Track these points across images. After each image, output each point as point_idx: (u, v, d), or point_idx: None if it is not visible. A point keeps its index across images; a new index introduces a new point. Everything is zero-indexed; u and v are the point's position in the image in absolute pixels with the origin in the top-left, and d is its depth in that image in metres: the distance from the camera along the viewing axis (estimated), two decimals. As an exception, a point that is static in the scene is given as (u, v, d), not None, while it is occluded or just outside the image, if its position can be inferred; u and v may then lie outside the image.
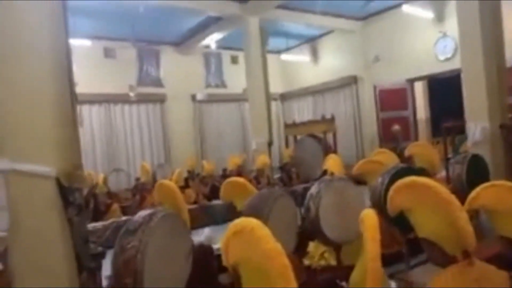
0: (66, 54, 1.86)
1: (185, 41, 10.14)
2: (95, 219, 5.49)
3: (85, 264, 1.82)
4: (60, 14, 1.85)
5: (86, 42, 8.09)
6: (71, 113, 1.86)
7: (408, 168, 2.72)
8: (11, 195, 1.68)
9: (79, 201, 1.84)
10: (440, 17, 8.33)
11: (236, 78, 11.23)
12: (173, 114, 10.30)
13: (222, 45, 10.36)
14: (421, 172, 2.89)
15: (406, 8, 8.14)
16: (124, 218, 5.35)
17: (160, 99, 10.14)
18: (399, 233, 2.42)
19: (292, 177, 7.66)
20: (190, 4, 7.46)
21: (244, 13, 7.91)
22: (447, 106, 8.72)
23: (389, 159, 4.17)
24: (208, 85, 11.13)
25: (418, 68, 8.64)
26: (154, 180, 6.39)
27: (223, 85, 11.37)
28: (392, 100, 8.81)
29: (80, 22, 7.56)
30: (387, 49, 9.25)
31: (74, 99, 1.88)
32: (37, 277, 1.70)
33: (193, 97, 10.71)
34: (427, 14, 8.30)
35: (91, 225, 5.14)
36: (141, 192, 5.87)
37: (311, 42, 11.27)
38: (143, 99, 9.81)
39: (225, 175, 7.49)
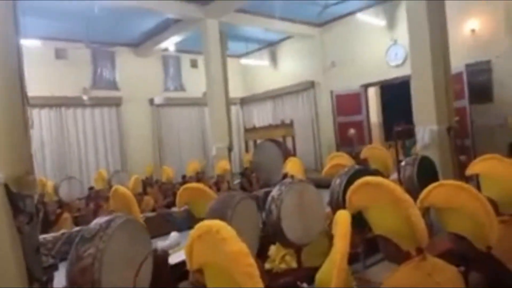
0: (17, 55, 1.75)
1: (142, 43, 9.91)
2: (44, 229, 5.20)
3: (36, 276, 1.72)
4: (10, 13, 1.75)
5: (36, 43, 7.67)
6: (21, 117, 1.75)
7: (363, 170, 2.81)
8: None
9: (29, 208, 1.74)
10: (391, 25, 8.75)
11: (195, 82, 11.13)
12: (129, 119, 10.01)
13: (181, 48, 10.24)
14: (376, 173, 3.00)
15: (360, 15, 8.47)
16: (76, 228, 5.11)
17: (116, 103, 9.82)
18: (356, 233, 2.50)
19: (252, 182, 7.69)
20: (148, 4, 7.30)
21: (203, 15, 7.87)
22: (398, 111, 9.14)
23: (344, 162, 4.29)
24: (166, 89, 10.93)
25: (371, 74, 9.01)
26: (110, 187, 6.14)
27: (182, 89, 11.22)
28: (348, 105, 9.11)
29: (30, 22, 7.18)
30: (342, 55, 9.58)
31: (25, 102, 1.78)
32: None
33: (151, 101, 10.47)
34: (379, 22, 8.68)
35: (41, 236, 4.87)
36: (95, 200, 5.63)
37: (271, 46, 11.43)
38: (97, 102, 9.46)
39: (184, 181, 7.38)
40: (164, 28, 8.91)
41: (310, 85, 10.26)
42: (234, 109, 11.57)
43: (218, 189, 7.04)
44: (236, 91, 11.07)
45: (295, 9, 8.57)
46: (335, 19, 9.63)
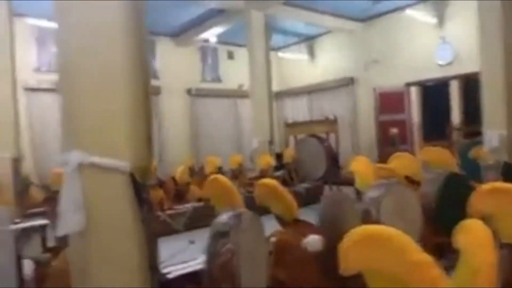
0: (142, 46, 1.71)
1: (183, 33, 9.89)
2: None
3: (154, 266, 1.69)
4: (130, 11, 1.70)
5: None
6: (146, 106, 1.72)
7: (455, 175, 2.70)
8: (85, 189, 1.54)
9: (149, 198, 1.71)
10: (440, 23, 8.46)
11: (231, 74, 11.10)
12: (167, 108, 10.05)
13: (219, 39, 10.18)
14: (465, 178, 2.87)
15: (409, 11, 8.22)
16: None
17: (155, 92, 9.85)
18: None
19: (294, 178, 7.61)
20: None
21: (249, 7, 7.77)
22: (436, 111, 8.94)
23: (408, 163, 4.11)
24: (203, 80, 10.93)
25: (416, 72, 8.75)
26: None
27: (218, 80, 11.19)
28: (391, 103, 8.90)
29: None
30: (386, 52, 9.33)
31: (148, 92, 1.74)
32: (111, 275, 1.56)
33: (189, 91, 10.48)
34: (430, 19, 8.41)
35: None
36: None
37: (309, 41, 11.25)
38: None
39: (221, 173, 7.36)
40: (206, 19, 8.86)
41: (349, 81, 10.06)
42: (268, 102, 11.47)
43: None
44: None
45: (340, 4, 8.37)
46: (380, 15, 9.38)
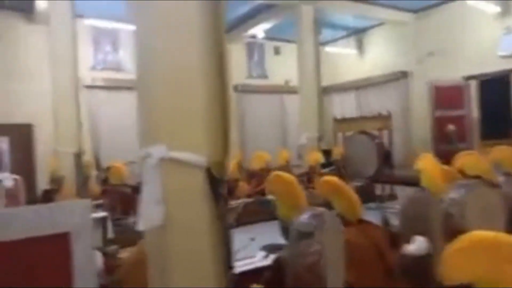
0: (220, 44, 1.68)
1: (231, 29, 9.92)
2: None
3: (230, 265, 1.65)
4: (209, 7, 1.67)
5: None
6: (223, 102, 1.68)
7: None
8: (164, 183, 1.52)
9: (225, 194, 1.67)
10: (505, 12, 7.86)
11: (278, 70, 11.01)
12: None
13: (266, 35, 10.10)
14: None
15: (470, 1, 7.70)
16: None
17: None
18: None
19: (343, 175, 7.40)
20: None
21: (299, 1, 7.63)
22: (496, 107, 8.32)
23: (476, 163, 3.82)
24: (249, 76, 10.92)
25: (476, 65, 8.20)
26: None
27: (264, 76, 11.15)
28: (448, 98, 8.40)
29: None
30: (442, 44, 8.82)
31: (227, 89, 1.70)
32: (188, 272, 1.54)
33: (235, 87, 10.52)
34: (492, 7, 7.84)
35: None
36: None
37: (358, 34, 10.89)
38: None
39: (268, 169, 7.31)
40: (254, 15, 8.83)
41: (401, 76, 9.63)
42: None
43: (309, 181, 6.88)
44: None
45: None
46: (435, 5, 8.88)
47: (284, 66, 10.71)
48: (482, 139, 8.91)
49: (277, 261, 2.43)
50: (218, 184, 1.62)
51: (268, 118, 10.96)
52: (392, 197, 6.83)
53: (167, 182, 1.53)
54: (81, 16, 7.66)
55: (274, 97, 11.12)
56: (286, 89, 10.88)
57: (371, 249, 2.58)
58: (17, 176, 4.25)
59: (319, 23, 8.58)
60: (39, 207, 1.54)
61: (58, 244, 1.53)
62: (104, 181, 7.11)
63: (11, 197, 4.24)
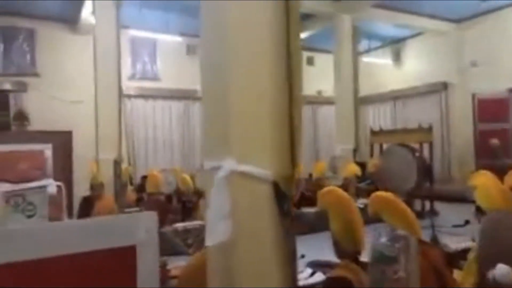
0: (295, 49, 1.60)
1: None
2: (183, 218, 5.37)
3: (295, 283, 1.56)
4: (283, 14, 1.61)
5: (176, 38, 8.12)
6: (292, 113, 1.60)
7: None
8: (232, 197, 1.45)
9: (291, 210, 1.58)
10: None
11: (310, 80, 10.87)
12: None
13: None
14: None
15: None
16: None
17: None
18: None
19: (380, 189, 7.15)
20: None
21: (337, 10, 7.54)
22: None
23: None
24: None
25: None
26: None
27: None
28: (492, 111, 8.03)
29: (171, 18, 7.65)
30: (485, 55, 8.47)
31: (296, 100, 1.63)
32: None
33: (268, 98, 10.47)
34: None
35: (181, 225, 5.02)
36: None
37: (395, 44, 10.65)
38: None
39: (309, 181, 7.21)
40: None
41: (441, 87, 9.30)
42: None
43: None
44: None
45: (439, 4, 7.72)
46: (476, 15, 8.56)
47: (317, 77, 10.60)
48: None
49: (332, 281, 2.31)
50: (285, 199, 1.54)
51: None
52: (433, 213, 6.52)
53: (235, 196, 1.46)
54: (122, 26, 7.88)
55: (306, 108, 11.01)
56: (318, 100, 10.76)
57: (431, 271, 2.43)
58: (60, 183, 4.31)
59: (357, 33, 8.44)
60: (104, 218, 1.50)
61: (124, 258, 1.48)
62: (139, 189, 7.20)
63: (55, 204, 4.28)
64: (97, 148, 5.25)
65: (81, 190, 6.09)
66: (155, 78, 8.82)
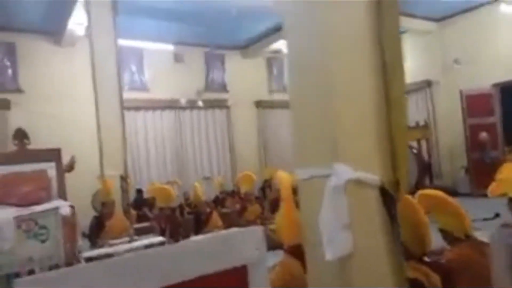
0: (395, 48, 1.55)
1: (251, 45, 9.90)
2: (197, 230, 5.22)
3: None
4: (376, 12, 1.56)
5: (163, 46, 7.94)
6: (393, 114, 1.55)
7: None
8: (350, 205, 1.38)
9: (397, 216, 1.52)
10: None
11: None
12: (237, 121, 10.04)
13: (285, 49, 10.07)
14: None
15: (504, 7, 7.68)
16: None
17: (226, 105, 9.91)
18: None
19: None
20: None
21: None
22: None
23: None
24: (271, 91, 10.85)
25: (505, 73, 8.13)
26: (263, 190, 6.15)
27: (285, 90, 11.06)
28: (479, 105, 8.31)
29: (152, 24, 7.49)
30: (468, 52, 8.78)
31: (396, 101, 1.57)
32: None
33: (257, 103, 10.43)
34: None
35: (195, 238, 4.86)
36: (242, 201, 5.57)
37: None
38: (209, 105, 9.60)
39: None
40: (277, 30, 8.79)
41: (425, 85, 9.56)
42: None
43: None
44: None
45: (418, 3, 7.95)
46: (460, 12, 8.87)
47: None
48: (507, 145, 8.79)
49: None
50: (392, 203, 1.48)
51: (289, 132, 10.82)
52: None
53: (350, 205, 1.39)
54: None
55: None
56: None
57: (488, 268, 2.43)
58: (72, 203, 4.06)
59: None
60: (211, 238, 1.38)
61: (236, 280, 1.37)
62: (137, 204, 6.92)
63: (68, 226, 4.03)
64: (101, 163, 4.99)
65: (80, 209, 5.78)
66: (143, 88, 8.58)
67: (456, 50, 9.03)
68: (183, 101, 9.01)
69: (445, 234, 2.60)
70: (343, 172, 1.34)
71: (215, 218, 5.30)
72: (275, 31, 8.87)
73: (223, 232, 1.47)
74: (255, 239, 1.40)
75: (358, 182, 1.39)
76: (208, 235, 1.41)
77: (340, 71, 1.44)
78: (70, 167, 4.30)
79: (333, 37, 1.45)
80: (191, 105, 9.24)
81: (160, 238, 4.19)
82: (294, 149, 1.57)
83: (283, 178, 1.93)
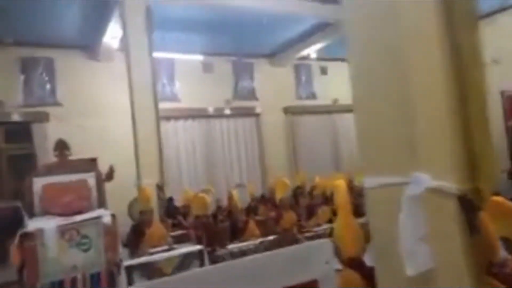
0: (473, 46, 1.45)
1: (279, 52, 9.88)
2: (234, 238, 5.17)
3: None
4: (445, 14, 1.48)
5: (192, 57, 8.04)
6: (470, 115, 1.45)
7: None
8: (427, 216, 1.29)
9: (479, 227, 1.41)
10: None
11: (325, 90, 10.83)
12: (266, 128, 10.00)
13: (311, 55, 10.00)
14: None
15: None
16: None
17: (255, 113, 9.91)
18: None
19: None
20: (300, 9, 7.18)
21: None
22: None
23: None
24: (299, 97, 10.77)
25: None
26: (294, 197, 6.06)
27: (313, 97, 10.98)
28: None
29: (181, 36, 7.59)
30: (510, 51, 8.42)
31: (480, 97, 1.47)
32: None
33: (285, 109, 10.37)
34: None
35: (234, 246, 4.82)
36: (278, 209, 5.50)
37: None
38: (238, 113, 9.62)
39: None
40: (307, 36, 8.74)
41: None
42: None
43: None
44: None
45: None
46: (498, 11, 8.55)
47: (331, 86, 10.60)
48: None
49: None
50: (474, 215, 1.37)
51: (319, 138, 10.71)
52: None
53: (428, 216, 1.30)
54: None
55: (324, 117, 10.91)
56: (336, 109, 10.72)
57: None
58: (113, 212, 4.10)
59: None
60: (283, 251, 1.32)
61: (307, 295, 1.30)
62: (169, 212, 6.94)
63: (110, 234, 4.07)
64: (138, 172, 5.07)
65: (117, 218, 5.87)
66: (174, 98, 8.69)
67: (495, 49, 8.67)
68: (211, 110, 9.07)
69: (508, 243, 2.45)
70: (422, 180, 1.25)
71: (252, 226, 5.24)
72: (303, 38, 8.82)
73: (294, 246, 1.41)
74: (325, 252, 1.34)
75: (436, 191, 1.29)
76: (281, 250, 1.36)
77: (415, 68, 1.36)
78: (110, 176, 4.35)
79: (404, 31, 1.38)
80: (220, 113, 9.29)
81: (198, 247, 4.17)
82: (362, 156, 1.49)
83: (339, 186, 1.86)
